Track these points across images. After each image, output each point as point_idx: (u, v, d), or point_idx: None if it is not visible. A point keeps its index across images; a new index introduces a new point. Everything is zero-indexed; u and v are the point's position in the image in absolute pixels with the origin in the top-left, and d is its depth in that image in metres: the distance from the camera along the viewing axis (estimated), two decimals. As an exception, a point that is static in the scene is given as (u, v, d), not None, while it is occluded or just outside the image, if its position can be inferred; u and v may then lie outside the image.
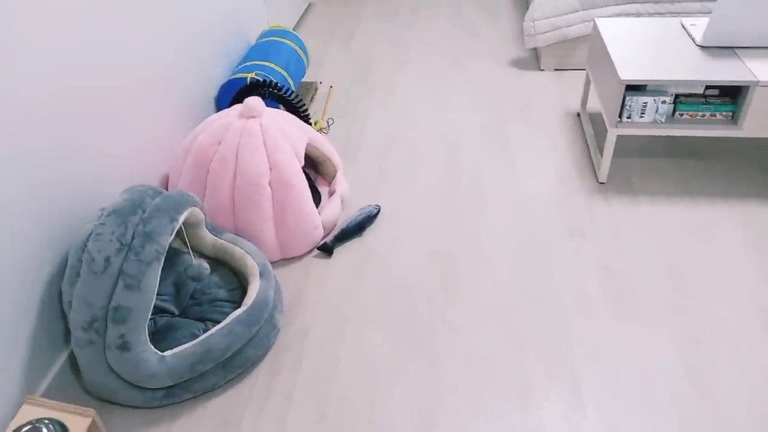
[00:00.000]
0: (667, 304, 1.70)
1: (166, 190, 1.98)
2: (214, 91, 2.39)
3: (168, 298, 1.66)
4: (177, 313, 1.66)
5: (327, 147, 2.10)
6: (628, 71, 1.97)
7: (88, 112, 1.53)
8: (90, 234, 1.39)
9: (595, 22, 2.35)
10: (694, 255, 1.86)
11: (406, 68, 3.03)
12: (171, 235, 1.42)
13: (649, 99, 1.98)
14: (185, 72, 2.15)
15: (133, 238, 1.38)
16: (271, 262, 1.91)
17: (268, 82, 2.21)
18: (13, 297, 1.32)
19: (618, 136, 2.22)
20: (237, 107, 1.91)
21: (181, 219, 1.46)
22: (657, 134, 2.11)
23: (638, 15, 2.76)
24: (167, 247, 1.41)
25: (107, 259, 1.34)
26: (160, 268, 1.39)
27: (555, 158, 2.33)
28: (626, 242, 1.92)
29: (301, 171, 1.87)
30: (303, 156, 1.90)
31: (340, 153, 2.43)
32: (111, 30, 1.67)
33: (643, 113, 2.02)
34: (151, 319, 1.61)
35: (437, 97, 2.78)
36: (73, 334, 1.38)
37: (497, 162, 2.33)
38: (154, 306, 1.63)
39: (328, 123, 2.63)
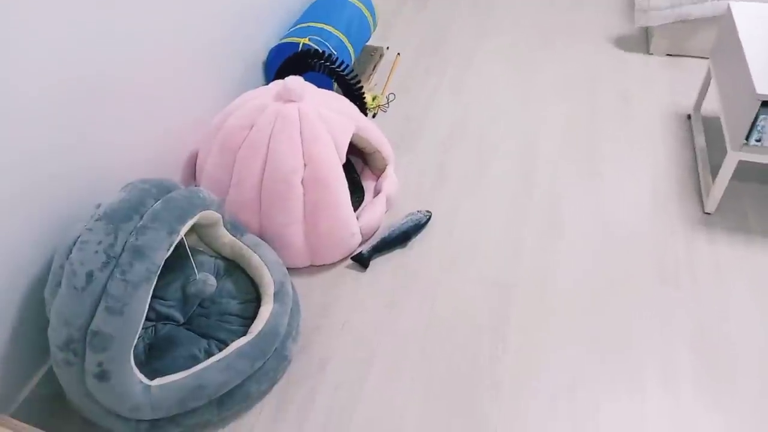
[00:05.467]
0: (777, 396, 1.34)
1: (195, 169, 1.76)
2: (263, 55, 2.12)
3: (174, 304, 1.46)
4: (182, 321, 1.46)
5: (377, 137, 1.79)
6: (771, 83, 1.52)
7: (108, 93, 1.31)
8: (76, 239, 1.18)
9: (729, 4, 1.86)
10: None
11: (486, 41, 2.62)
12: (168, 250, 1.19)
13: (792, 121, 1.54)
14: (232, 32, 1.87)
15: (123, 250, 1.16)
16: (298, 269, 1.67)
17: (321, 53, 1.91)
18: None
19: (740, 161, 1.76)
20: (275, 86, 1.63)
21: (183, 230, 1.23)
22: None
23: (787, -3, 2.20)
24: (162, 264, 1.18)
25: (90, 274, 1.13)
26: (151, 290, 1.17)
27: (653, 173, 1.92)
28: (731, 298, 1.54)
29: (341, 169, 1.59)
30: (345, 152, 1.61)
31: (397, 137, 2.11)
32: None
33: (780, 137, 1.58)
34: (152, 326, 1.42)
35: (519, 80, 2.37)
36: (51, 350, 1.21)
37: (582, 173, 1.94)
38: (158, 312, 1.43)
39: (388, 99, 2.31)
